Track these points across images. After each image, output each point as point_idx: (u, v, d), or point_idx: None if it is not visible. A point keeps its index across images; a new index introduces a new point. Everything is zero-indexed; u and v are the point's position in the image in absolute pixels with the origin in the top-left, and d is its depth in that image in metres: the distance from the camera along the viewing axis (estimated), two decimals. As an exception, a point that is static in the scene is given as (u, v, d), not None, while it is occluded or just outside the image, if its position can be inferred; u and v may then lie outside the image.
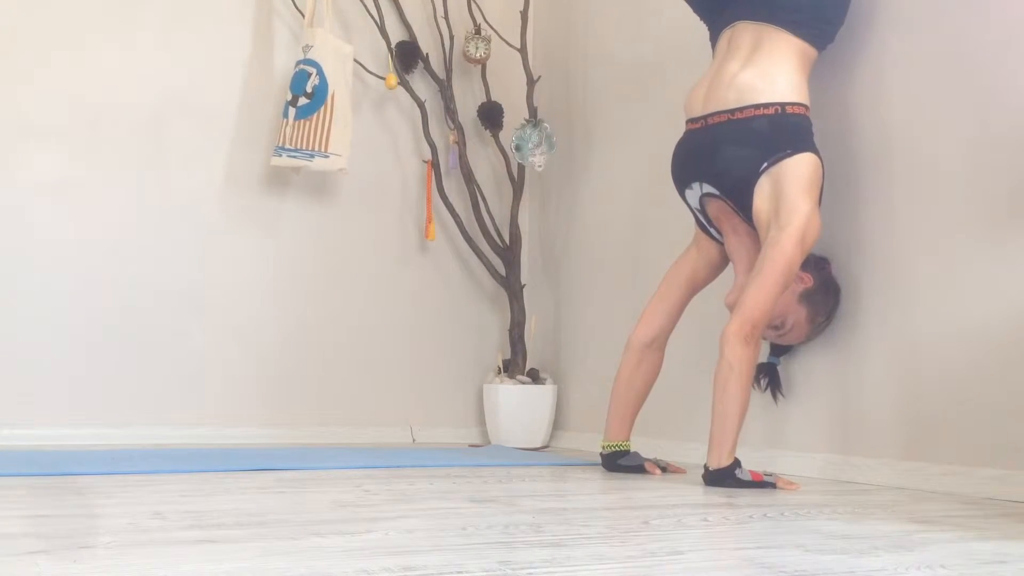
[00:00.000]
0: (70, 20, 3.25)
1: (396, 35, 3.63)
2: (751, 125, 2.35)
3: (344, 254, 3.58)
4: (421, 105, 3.60)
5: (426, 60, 3.63)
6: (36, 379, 3.14)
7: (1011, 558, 1.36)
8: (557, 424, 3.58)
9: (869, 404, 2.42)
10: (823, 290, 2.47)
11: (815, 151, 2.37)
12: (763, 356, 2.57)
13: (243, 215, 3.44)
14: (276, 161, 3.32)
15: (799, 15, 2.39)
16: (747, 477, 2.22)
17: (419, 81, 3.65)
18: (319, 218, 3.55)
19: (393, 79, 3.53)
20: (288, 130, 3.30)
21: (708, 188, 2.46)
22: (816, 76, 2.56)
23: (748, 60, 2.40)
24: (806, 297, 2.45)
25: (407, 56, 3.60)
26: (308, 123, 3.30)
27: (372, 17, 3.58)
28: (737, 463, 2.24)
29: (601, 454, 2.63)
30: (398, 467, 2.55)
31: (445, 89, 3.64)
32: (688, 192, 2.52)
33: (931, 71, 2.33)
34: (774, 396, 2.61)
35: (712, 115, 2.42)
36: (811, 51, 2.42)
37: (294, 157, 3.29)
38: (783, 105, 2.35)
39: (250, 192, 3.46)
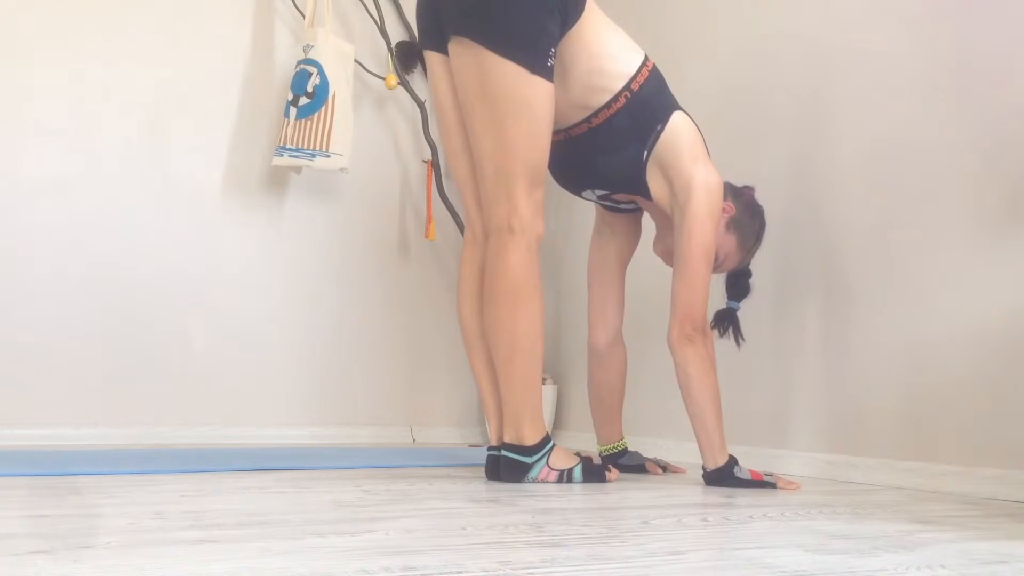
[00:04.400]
0: (70, 20, 3.25)
1: (396, 35, 3.63)
2: (612, 125, 2.27)
3: (344, 254, 3.58)
4: (421, 105, 3.60)
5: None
6: (36, 379, 3.14)
7: (1011, 558, 1.36)
8: (557, 424, 3.58)
9: (869, 404, 2.42)
10: (748, 213, 2.42)
11: (676, 107, 2.31)
12: (722, 303, 2.50)
13: (243, 215, 3.44)
14: (278, 161, 3.32)
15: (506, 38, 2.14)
16: (746, 476, 2.22)
17: (419, 81, 3.65)
18: (319, 218, 3.55)
19: (393, 79, 3.53)
20: (289, 130, 3.30)
21: (602, 191, 2.43)
22: (816, 74, 2.56)
23: (572, 68, 2.25)
24: (733, 224, 2.40)
25: (407, 56, 3.61)
26: (310, 123, 3.30)
27: (372, 17, 3.58)
28: (734, 461, 2.24)
29: (601, 456, 2.63)
30: (398, 467, 2.55)
31: (445, 89, 3.64)
32: (584, 194, 2.47)
33: (933, 71, 2.33)
34: (736, 342, 2.50)
35: (571, 127, 2.31)
36: (581, 23, 2.21)
37: (296, 157, 3.29)
38: (627, 86, 2.26)
39: (250, 192, 3.46)
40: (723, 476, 2.23)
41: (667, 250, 2.43)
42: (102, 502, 1.74)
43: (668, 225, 2.40)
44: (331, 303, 3.55)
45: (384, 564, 1.18)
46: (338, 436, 3.49)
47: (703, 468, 2.27)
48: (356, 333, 3.57)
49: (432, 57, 2.27)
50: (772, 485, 2.21)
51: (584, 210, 3.53)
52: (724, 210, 2.36)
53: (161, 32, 3.36)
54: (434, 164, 3.61)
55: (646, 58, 2.31)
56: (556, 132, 2.34)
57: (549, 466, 2.20)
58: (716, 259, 2.38)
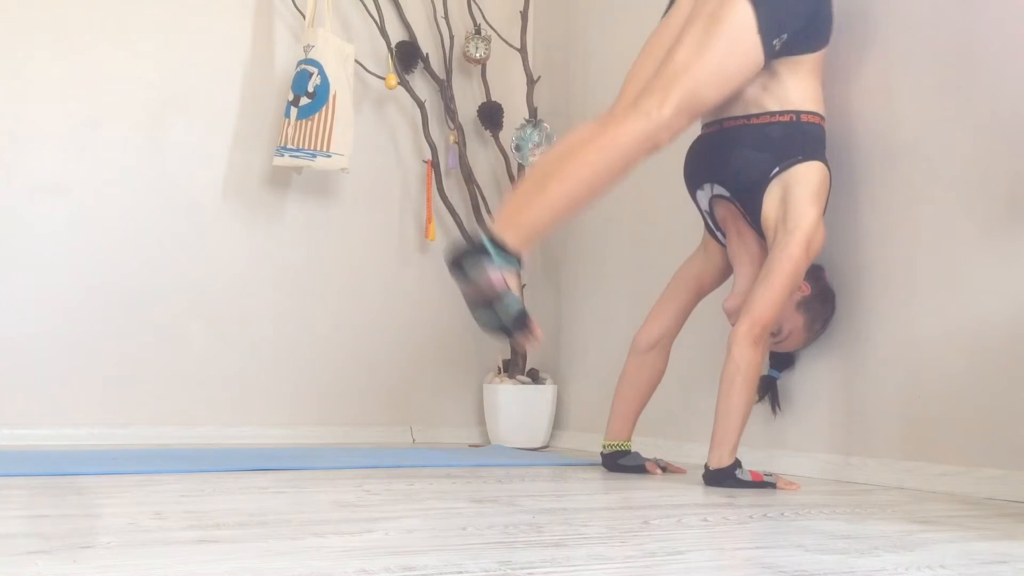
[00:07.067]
0: (69, 20, 3.25)
1: (396, 35, 3.63)
2: (765, 131, 2.35)
3: (344, 254, 3.58)
4: (421, 105, 3.60)
5: (426, 60, 3.64)
6: (36, 379, 3.14)
7: (1011, 558, 1.36)
8: (557, 424, 3.58)
9: (869, 404, 2.42)
10: (820, 299, 2.48)
11: (824, 161, 2.37)
12: (764, 368, 2.56)
13: (243, 215, 3.44)
14: (278, 161, 3.32)
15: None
16: (747, 477, 2.22)
17: (419, 81, 3.65)
18: (319, 218, 3.55)
19: (393, 79, 3.53)
20: (290, 130, 3.30)
21: (719, 190, 2.46)
22: (816, 76, 2.55)
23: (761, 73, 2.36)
24: (804, 305, 2.45)
25: (407, 56, 3.60)
26: (310, 123, 3.30)
27: (372, 17, 3.58)
28: (737, 463, 2.25)
29: (602, 454, 2.63)
30: (398, 467, 2.55)
31: (445, 89, 3.64)
32: (699, 193, 2.51)
33: (932, 71, 2.33)
34: (773, 410, 2.62)
35: (728, 119, 2.40)
36: (818, 56, 2.39)
37: (296, 157, 3.29)
38: (798, 113, 2.35)
39: (250, 192, 3.46)
40: (724, 476, 2.23)
41: (734, 308, 2.43)
42: (102, 502, 1.74)
43: (748, 288, 2.42)
44: (331, 303, 3.54)
45: (384, 564, 1.18)
46: (338, 436, 3.49)
47: (705, 467, 2.27)
48: (356, 333, 3.57)
49: None
50: (772, 485, 2.21)
51: (584, 212, 3.53)
52: (801, 289, 2.42)
53: (161, 32, 3.36)
54: (434, 164, 3.61)
55: (824, 116, 2.40)
56: (711, 124, 2.43)
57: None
58: (780, 332, 2.45)
